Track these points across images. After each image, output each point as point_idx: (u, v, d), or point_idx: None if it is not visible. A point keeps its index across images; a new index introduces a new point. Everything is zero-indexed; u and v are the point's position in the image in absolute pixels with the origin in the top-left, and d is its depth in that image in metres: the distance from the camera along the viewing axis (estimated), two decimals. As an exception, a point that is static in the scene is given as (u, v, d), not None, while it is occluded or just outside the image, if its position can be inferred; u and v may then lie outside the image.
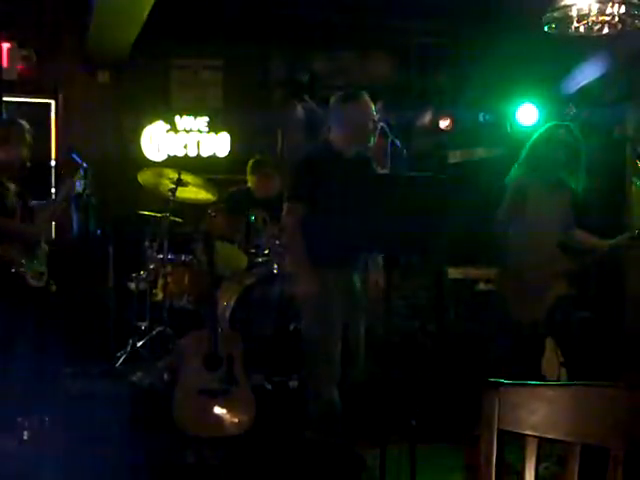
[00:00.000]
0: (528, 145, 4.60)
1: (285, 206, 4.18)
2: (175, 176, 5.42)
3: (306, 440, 4.17)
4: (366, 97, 4.18)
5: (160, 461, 4.22)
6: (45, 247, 4.49)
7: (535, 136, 4.60)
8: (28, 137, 4.45)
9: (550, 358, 4.79)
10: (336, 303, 4.07)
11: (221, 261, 5.05)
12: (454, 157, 7.30)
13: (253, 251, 5.57)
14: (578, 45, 5.12)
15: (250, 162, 5.95)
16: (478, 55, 6.83)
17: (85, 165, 4.68)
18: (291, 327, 5.15)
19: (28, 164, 4.45)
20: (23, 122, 4.51)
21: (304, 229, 4.09)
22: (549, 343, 4.72)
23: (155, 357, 5.31)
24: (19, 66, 6.50)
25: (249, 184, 5.90)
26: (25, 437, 4.20)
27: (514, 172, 4.59)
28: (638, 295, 6.28)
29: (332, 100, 4.27)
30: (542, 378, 4.60)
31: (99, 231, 5.23)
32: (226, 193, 5.89)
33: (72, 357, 5.10)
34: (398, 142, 4.08)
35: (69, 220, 5.90)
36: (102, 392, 5.00)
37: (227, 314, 5.22)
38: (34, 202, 4.63)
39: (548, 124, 4.71)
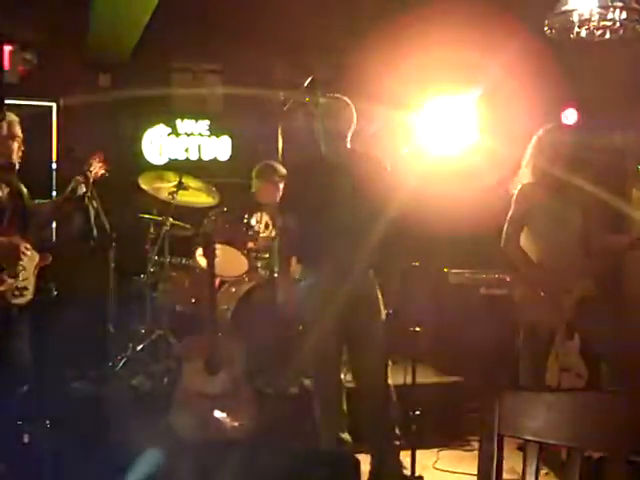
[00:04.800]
0: (529, 149, 4.49)
1: (279, 217, 4.30)
2: (176, 179, 5.42)
3: (306, 444, 4.19)
4: (338, 101, 4.23)
5: (160, 465, 4.21)
6: (34, 254, 4.23)
7: (534, 140, 4.51)
8: (18, 130, 4.23)
9: (551, 364, 4.77)
10: (333, 307, 4.09)
11: (222, 265, 5.04)
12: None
13: (254, 255, 5.57)
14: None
15: (256, 167, 5.92)
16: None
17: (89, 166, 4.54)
18: (291, 330, 5.14)
19: (16, 161, 4.24)
20: (11, 114, 4.28)
21: (300, 235, 4.18)
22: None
23: (155, 361, 5.31)
24: (20, 69, 6.51)
25: (253, 189, 5.87)
26: (26, 440, 4.18)
27: (518, 179, 4.49)
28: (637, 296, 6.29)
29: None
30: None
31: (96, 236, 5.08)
32: (229, 197, 5.87)
33: (72, 360, 5.10)
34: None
35: (70, 223, 5.89)
36: (102, 396, 4.99)
37: (227, 318, 5.21)
38: (38, 201, 4.53)
39: (545, 127, 4.62)
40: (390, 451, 4.17)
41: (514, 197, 4.44)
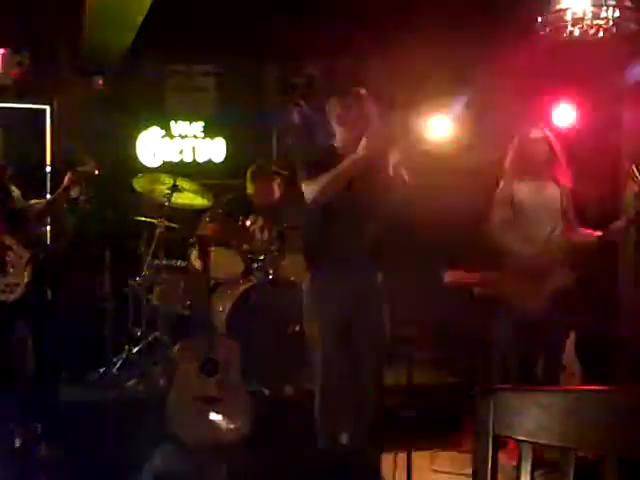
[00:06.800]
0: (509, 151, 4.72)
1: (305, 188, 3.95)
2: (170, 182, 5.42)
3: (304, 446, 4.18)
4: (355, 93, 4.00)
5: (157, 468, 4.21)
6: (23, 252, 4.31)
7: (513, 141, 4.72)
8: None
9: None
10: (337, 307, 4.06)
11: (217, 266, 5.04)
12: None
13: (249, 256, 5.56)
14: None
15: (250, 169, 5.89)
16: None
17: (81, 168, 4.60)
18: (287, 332, 5.14)
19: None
20: None
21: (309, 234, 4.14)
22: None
23: (151, 363, 5.31)
24: (14, 72, 6.49)
25: (248, 190, 5.85)
26: (17, 445, 4.19)
27: (498, 179, 4.72)
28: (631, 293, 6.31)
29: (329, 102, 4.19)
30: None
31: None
32: (224, 199, 5.86)
33: (68, 363, 5.09)
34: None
35: (64, 224, 5.89)
36: (98, 398, 4.99)
37: (223, 319, 5.20)
38: (32, 201, 4.58)
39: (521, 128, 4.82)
40: (373, 452, 4.13)
41: (494, 197, 4.70)
